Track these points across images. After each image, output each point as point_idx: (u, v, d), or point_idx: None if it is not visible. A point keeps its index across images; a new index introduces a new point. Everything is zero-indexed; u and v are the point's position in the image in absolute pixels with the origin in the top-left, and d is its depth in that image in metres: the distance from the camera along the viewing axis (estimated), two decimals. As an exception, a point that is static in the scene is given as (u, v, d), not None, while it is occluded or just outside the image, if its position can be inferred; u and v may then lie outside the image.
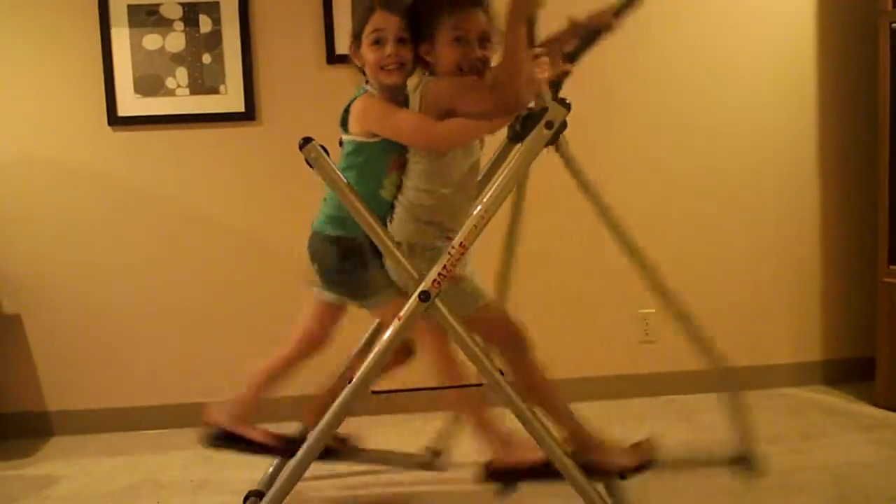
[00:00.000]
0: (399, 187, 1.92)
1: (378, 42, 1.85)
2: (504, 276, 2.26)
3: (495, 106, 1.74)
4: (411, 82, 1.93)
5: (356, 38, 1.90)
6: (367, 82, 1.93)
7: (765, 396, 3.08)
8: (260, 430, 2.15)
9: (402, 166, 1.92)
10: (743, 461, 2.07)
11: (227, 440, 2.15)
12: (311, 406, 2.12)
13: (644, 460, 2.01)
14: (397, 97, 1.91)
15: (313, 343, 2.13)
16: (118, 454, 2.77)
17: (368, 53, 1.86)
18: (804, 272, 3.20)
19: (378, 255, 1.94)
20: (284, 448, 2.12)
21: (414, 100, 1.85)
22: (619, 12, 1.95)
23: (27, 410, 2.98)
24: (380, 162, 1.90)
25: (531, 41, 1.95)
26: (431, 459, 2.41)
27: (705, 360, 2.09)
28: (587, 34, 1.97)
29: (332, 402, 1.86)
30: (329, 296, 2.05)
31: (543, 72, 1.85)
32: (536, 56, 1.86)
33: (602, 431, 2.41)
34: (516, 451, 1.97)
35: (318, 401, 2.09)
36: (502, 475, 1.98)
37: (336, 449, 2.29)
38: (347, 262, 1.92)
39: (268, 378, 2.15)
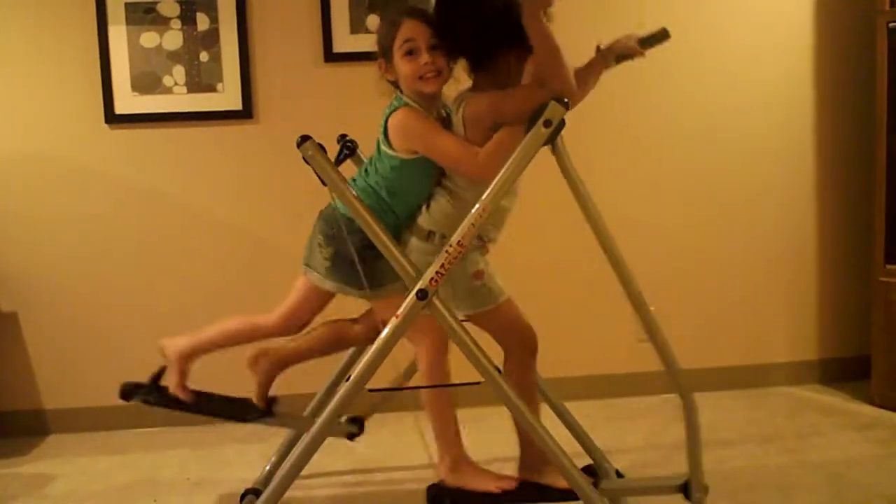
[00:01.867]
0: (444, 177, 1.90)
1: (411, 52, 1.80)
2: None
3: (524, 107, 1.72)
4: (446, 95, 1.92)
5: (385, 53, 1.86)
6: (400, 93, 1.88)
7: (761, 395, 3.09)
8: (184, 386, 2.13)
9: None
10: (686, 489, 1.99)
11: (148, 392, 2.15)
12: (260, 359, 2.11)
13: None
14: (435, 106, 1.89)
15: (295, 326, 2.07)
16: (115, 452, 2.77)
17: (403, 65, 1.81)
18: (801, 271, 3.21)
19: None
20: (199, 405, 2.15)
21: (457, 124, 1.81)
22: (646, 43, 1.97)
23: (23, 409, 2.98)
24: (426, 177, 1.88)
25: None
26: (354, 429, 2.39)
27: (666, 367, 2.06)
28: (615, 60, 1.99)
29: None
30: (329, 284, 1.97)
31: None
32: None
33: (597, 430, 2.42)
34: (468, 472, 1.98)
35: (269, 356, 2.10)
36: (448, 496, 1.97)
37: (260, 409, 2.18)
38: (367, 252, 1.87)
39: (234, 337, 2.11)
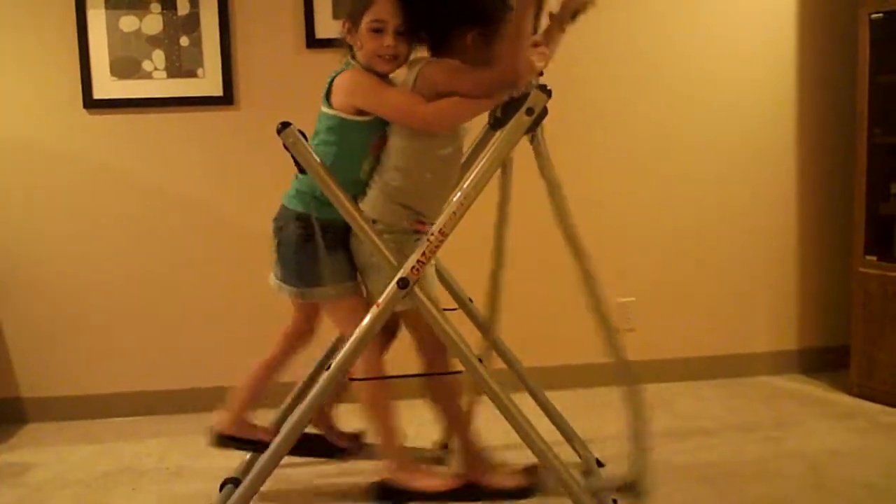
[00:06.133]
0: (375, 168, 1.91)
1: (378, 31, 1.84)
2: (496, 272, 2.25)
3: (491, 86, 1.74)
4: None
5: (353, 18, 1.88)
6: (352, 57, 1.91)
7: (741, 384, 3.11)
8: (265, 430, 2.13)
9: (382, 148, 1.91)
10: (631, 488, 1.99)
11: (235, 442, 2.13)
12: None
13: (528, 485, 2.03)
14: (384, 78, 1.90)
15: (300, 337, 2.12)
16: (93, 441, 2.74)
17: (366, 40, 1.85)
18: (782, 262, 3.22)
19: (344, 244, 1.93)
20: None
21: (408, 80, 1.84)
22: None
23: (1, 397, 2.94)
24: (363, 141, 1.89)
25: (534, 30, 1.93)
26: (443, 454, 2.39)
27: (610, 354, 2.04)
28: (571, 17, 1.98)
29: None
30: (271, 279, 2.01)
31: (541, 61, 1.87)
32: (536, 44, 1.87)
33: (577, 419, 2.43)
34: (412, 471, 2.03)
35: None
36: (391, 494, 2.02)
37: (345, 447, 2.32)
38: (309, 244, 1.90)
39: (264, 377, 2.13)
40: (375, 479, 2.10)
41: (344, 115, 1.86)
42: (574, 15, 1.99)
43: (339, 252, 1.94)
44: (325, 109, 1.89)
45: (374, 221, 1.87)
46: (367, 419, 2.07)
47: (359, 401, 2.03)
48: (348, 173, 1.88)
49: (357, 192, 1.91)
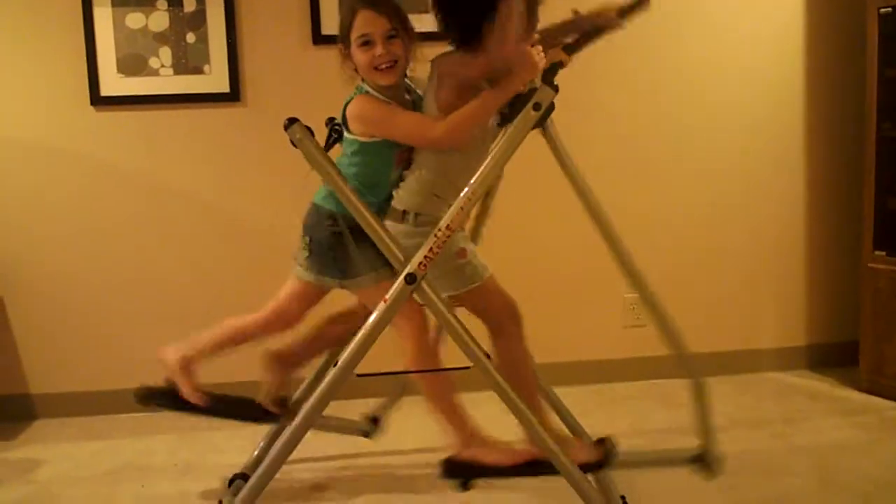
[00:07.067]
0: (409, 163, 1.90)
1: (367, 43, 1.81)
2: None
3: (483, 70, 1.73)
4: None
5: (344, 42, 1.86)
6: (363, 80, 1.89)
7: (750, 380, 3.10)
8: (197, 390, 2.10)
9: (406, 161, 1.90)
10: (700, 459, 2.02)
11: (163, 397, 2.11)
12: (270, 361, 2.15)
13: (603, 457, 2.01)
14: (397, 94, 1.88)
15: (286, 322, 2.08)
16: (102, 437, 2.76)
17: (359, 55, 1.82)
18: (790, 258, 3.21)
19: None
20: (214, 408, 2.12)
21: (430, 84, 1.83)
22: (624, 13, 1.94)
23: (10, 393, 2.96)
24: (385, 159, 1.89)
25: (532, 26, 1.91)
26: (370, 427, 2.45)
27: (672, 348, 2.07)
28: (590, 30, 1.95)
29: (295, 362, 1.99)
30: (308, 275, 1.99)
31: (541, 60, 1.85)
32: (532, 43, 1.85)
33: (585, 416, 2.42)
34: (480, 447, 1.96)
35: (279, 357, 2.14)
36: (461, 470, 1.96)
37: (274, 412, 2.21)
38: (340, 240, 1.89)
39: (230, 339, 2.11)
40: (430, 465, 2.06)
41: (363, 140, 1.85)
42: (598, 32, 1.96)
43: (370, 241, 1.94)
44: (346, 135, 1.89)
45: (417, 215, 1.86)
46: (429, 409, 2.01)
47: (422, 392, 1.99)
48: (376, 187, 1.89)
49: (386, 198, 1.91)
